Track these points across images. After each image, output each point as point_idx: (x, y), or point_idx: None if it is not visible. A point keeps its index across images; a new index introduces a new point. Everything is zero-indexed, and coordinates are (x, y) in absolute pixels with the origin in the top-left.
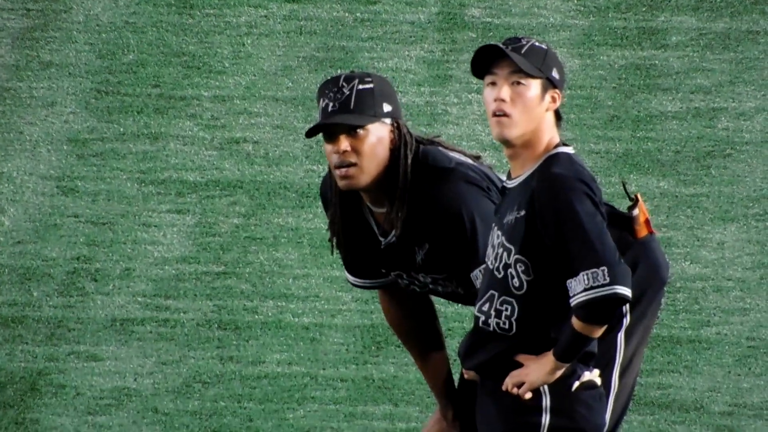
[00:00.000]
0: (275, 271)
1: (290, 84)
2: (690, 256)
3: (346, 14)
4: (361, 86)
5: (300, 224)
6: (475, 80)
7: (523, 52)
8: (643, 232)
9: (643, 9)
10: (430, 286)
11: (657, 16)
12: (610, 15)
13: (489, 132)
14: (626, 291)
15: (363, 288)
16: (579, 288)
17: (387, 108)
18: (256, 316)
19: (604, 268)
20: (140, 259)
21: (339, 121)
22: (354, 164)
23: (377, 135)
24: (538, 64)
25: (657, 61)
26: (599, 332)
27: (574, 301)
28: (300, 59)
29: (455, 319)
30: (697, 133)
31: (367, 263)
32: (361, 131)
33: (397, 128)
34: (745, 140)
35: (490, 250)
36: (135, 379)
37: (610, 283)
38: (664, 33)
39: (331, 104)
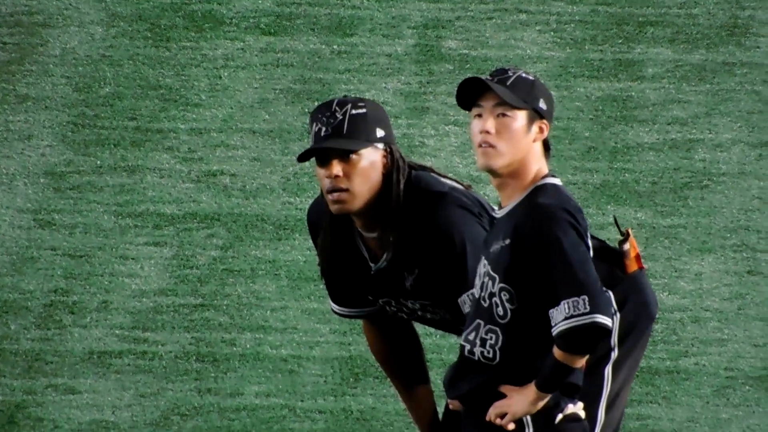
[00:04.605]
0: (253, 304)
1: (267, 116)
2: (668, 287)
3: (323, 46)
4: (354, 111)
5: (277, 256)
6: (452, 112)
7: (509, 83)
8: (633, 267)
9: (620, 41)
10: (419, 313)
11: (633, 48)
12: (586, 47)
13: (467, 164)
14: (606, 320)
15: (348, 317)
16: (560, 317)
17: (380, 133)
18: (234, 349)
19: (585, 297)
20: (118, 291)
21: (332, 145)
22: (346, 189)
23: (370, 160)
24: (523, 95)
25: (633, 93)
26: (581, 362)
27: (555, 330)
28: (277, 92)
29: (433, 351)
30: (674, 164)
31: (355, 290)
32: (353, 156)
33: (390, 153)
34: (722, 171)
35: (477, 280)
36: (113, 412)
37: (590, 312)
38: (640, 65)
39: (323, 129)
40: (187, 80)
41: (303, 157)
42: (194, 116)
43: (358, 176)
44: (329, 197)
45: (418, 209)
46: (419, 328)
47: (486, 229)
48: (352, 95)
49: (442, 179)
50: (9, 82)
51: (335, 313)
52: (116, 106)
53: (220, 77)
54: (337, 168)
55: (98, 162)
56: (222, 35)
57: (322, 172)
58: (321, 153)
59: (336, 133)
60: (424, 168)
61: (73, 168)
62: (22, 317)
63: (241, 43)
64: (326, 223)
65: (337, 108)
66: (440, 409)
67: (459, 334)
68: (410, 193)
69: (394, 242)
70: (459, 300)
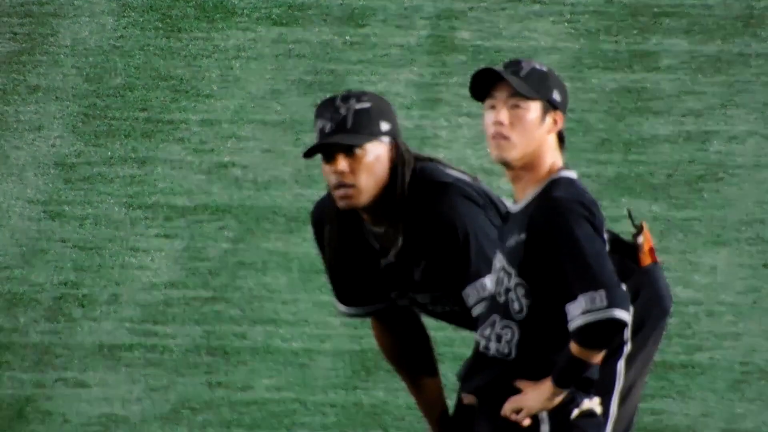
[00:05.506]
0: (264, 296)
1: (279, 108)
2: (682, 281)
3: (335, 37)
4: (357, 106)
5: (289, 249)
6: (465, 103)
7: (522, 74)
8: (647, 260)
9: (634, 32)
10: (429, 307)
11: (648, 39)
12: (601, 38)
13: (479, 156)
14: (624, 315)
15: (355, 317)
16: (577, 311)
17: (385, 127)
18: (245, 342)
19: (602, 291)
20: (128, 284)
21: (335, 141)
22: (352, 185)
23: (375, 154)
24: (537, 86)
25: (648, 84)
26: (598, 357)
27: (571, 325)
28: (289, 83)
29: (445, 344)
30: (689, 156)
31: (364, 285)
32: (358, 151)
33: (396, 146)
34: (737, 164)
35: (493, 275)
36: (123, 406)
37: (608, 307)
38: (655, 56)
39: (328, 125)
40: (198, 71)
41: (308, 154)
42: (205, 107)
43: (364, 171)
44: (336, 193)
45: (422, 200)
46: (431, 321)
47: (491, 221)
48: (364, 86)
49: (448, 170)
50: (19, 72)
51: (342, 314)
52: (127, 97)
53: (232, 68)
54: (342, 163)
55: (109, 153)
56: (233, 26)
57: (327, 168)
58: (325, 149)
59: (340, 128)
60: (431, 159)
61: (83, 159)
62: (31, 310)
63: (253, 34)
64: (333, 217)
65: (340, 103)
66: (450, 402)
67: (471, 327)
68: (415, 184)
69: (400, 235)
70: (462, 293)
